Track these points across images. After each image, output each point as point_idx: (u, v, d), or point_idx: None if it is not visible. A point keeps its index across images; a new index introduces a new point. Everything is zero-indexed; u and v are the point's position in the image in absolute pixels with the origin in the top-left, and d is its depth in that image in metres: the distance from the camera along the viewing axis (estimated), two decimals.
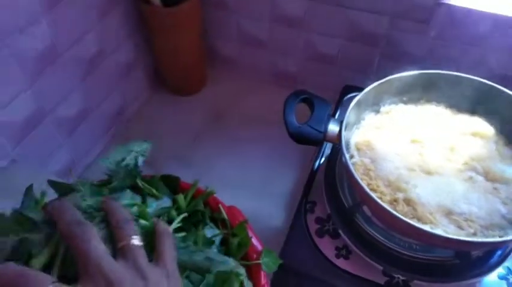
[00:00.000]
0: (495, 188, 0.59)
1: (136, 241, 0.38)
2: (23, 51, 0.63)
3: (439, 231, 0.54)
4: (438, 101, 0.72)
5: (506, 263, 0.62)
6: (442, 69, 0.69)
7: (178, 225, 0.48)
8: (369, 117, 0.71)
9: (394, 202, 0.58)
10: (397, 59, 0.85)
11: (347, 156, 0.60)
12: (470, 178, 0.61)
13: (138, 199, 0.48)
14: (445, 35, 0.78)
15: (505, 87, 0.66)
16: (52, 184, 0.49)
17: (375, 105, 0.71)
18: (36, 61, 0.65)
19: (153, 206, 0.49)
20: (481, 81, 0.67)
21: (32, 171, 0.65)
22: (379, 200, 0.54)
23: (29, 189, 0.47)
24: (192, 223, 0.51)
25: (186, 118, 0.95)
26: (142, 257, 0.37)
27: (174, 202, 0.52)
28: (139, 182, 0.51)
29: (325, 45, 0.89)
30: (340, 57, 0.90)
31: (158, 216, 0.48)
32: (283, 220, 0.76)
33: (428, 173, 0.61)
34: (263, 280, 0.50)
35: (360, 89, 0.68)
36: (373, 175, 0.62)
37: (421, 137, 0.66)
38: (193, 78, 1.00)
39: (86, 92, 0.78)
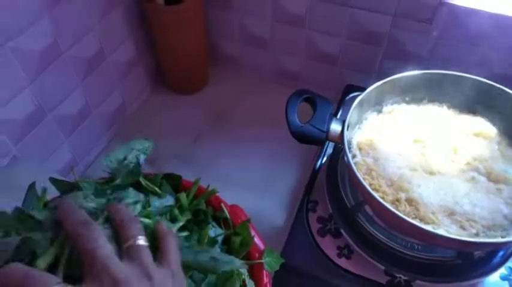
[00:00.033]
0: (498, 189, 0.59)
1: (142, 241, 0.38)
2: (25, 50, 0.63)
3: (441, 231, 0.54)
4: (441, 101, 0.72)
5: (509, 264, 0.62)
6: (444, 69, 0.69)
7: (181, 224, 0.48)
8: (371, 117, 0.71)
9: (396, 201, 0.58)
10: (399, 59, 0.85)
11: (349, 156, 0.60)
12: (473, 178, 0.61)
13: (141, 197, 0.48)
14: (447, 35, 0.78)
15: (507, 87, 0.65)
16: (54, 181, 0.49)
17: (377, 105, 0.71)
18: (37, 59, 0.65)
19: (156, 204, 0.49)
20: (484, 82, 0.67)
21: (34, 169, 0.65)
22: (381, 200, 0.54)
23: (32, 186, 0.47)
24: (194, 222, 0.51)
25: (187, 117, 0.95)
26: (148, 258, 0.37)
27: (177, 200, 0.52)
28: (142, 181, 0.51)
29: (327, 44, 0.89)
30: (342, 57, 0.90)
31: (161, 214, 0.48)
32: (285, 219, 0.76)
33: (431, 173, 0.61)
34: (265, 279, 0.50)
35: (362, 89, 0.68)
36: (375, 175, 0.61)
37: (424, 137, 0.65)
38: (195, 77, 1.00)
39: (88, 90, 0.78)
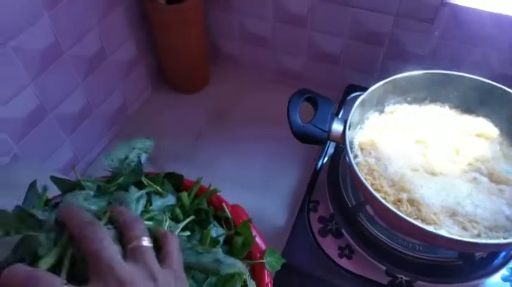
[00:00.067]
0: (500, 190, 0.59)
1: (146, 242, 0.38)
2: (26, 49, 0.63)
3: (442, 232, 0.54)
4: (442, 101, 0.71)
5: (510, 265, 0.62)
6: (446, 69, 0.69)
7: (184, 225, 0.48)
8: (373, 117, 0.70)
9: (398, 202, 0.58)
10: (400, 59, 0.84)
11: (351, 156, 0.60)
12: (475, 178, 0.60)
13: (144, 195, 0.48)
14: (449, 35, 0.78)
15: (509, 87, 0.65)
16: (55, 180, 0.49)
17: (379, 104, 0.71)
18: (39, 58, 0.65)
19: (157, 203, 0.49)
20: (486, 82, 0.67)
21: (35, 167, 0.65)
22: (383, 200, 0.54)
23: (33, 185, 0.46)
24: (196, 222, 0.50)
25: (188, 116, 0.95)
26: (152, 259, 0.37)
27: (178, 199, 0.52)
28: (144, 180, 0.51)
29: (329, 44, 0.89)
30: (344, 57, 0.90)
31: (163, 213, 0.48)
32: (286, 219, 0.76)
33: (433, 173, 0.61)
34: (266, 279, 0.50)
35: (364, 89, 0.68)
36: (376, 175, 0.61)
37: (426, 137, 0.65)
38: (196, 77, 1.00)
39: (89, 89, 0.78)
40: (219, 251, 0.46)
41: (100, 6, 0.74)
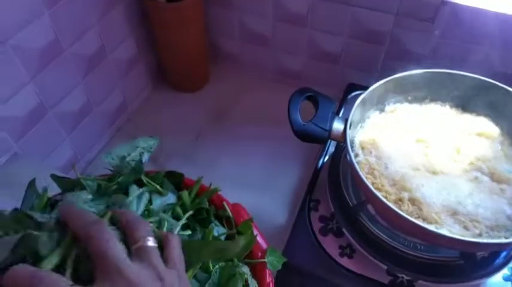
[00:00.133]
0: (501, 189, 0.59)
1: (151, 242, 0.38)
2: (26, 47, 0.62)
3: (444, 231, 0.53)
4: (443, 100, 0.71)
5: (511, 265, 0.62)
6: (446, 68, 0.69)
7: (184, 222, 0.47)
8: (374, 116, 0.70)
9: (399, 201, 0.58)
10: (401, 58, 0.84)
11: (352, 155, 0.60)
12: (476, 178, 0.60)
13: (145, 193, 0.48)
14: (449, 34, 0.77)
15: (510, 86, 0.65)
16: (55, 178, 0.49)
17: (379, 103, 0.71)
18: (39, 57, 0.65)
19: (157, 202, 0.49)
20: (486, 81, 0.67)
21: (35, 166, 0.65)
22: (384, 199, 0.54)
23: (32, 183, 0.46)
24: (197, 221, 0.50)
25: (188, 115, 0.95)
26: (158, 259, 0.37)
27: (179, 198, 0.52)
28: (144, 178, 0.51)
29: (329, 43, 0.89)
30: (344, 55, 0.90)
31: (163, 212, 0.48)
32: (287, 218, 0.75)
33: (434, 173, 0.61)
34: (268, 278, 0.49)
35: (364, 88, 0.68)
36: (377, 174, 0.61)
37: (426, 136, 0.65)
38: (195, 75, 1.00)
39: (89, 87, 0.78)
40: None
41: (100, 4, 0.74)
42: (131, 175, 0.50)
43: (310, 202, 0.71)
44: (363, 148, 0.65)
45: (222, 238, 0.50)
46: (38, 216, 0.39)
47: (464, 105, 0.70)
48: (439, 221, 0.55)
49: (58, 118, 0.73)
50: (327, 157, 0.78)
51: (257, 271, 0.50)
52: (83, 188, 0.48)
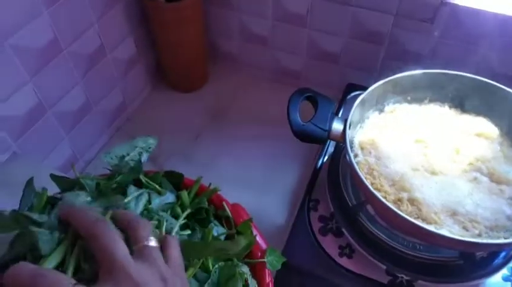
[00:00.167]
0: (500, 189, 0.59)
1: (153, 242, 0.38)
2: (25, 47, 0.62)
3: (443, 231, 0.54)
4: (442, 100, 0.71)
5: (511, 265, 0.62)
6: (446, 69, 0.69)
7: (184, 222, 0.47)
8: (373, 116, 0.70)
9: (398, 201, 0.58)
10: (400, 58, 0.85)
11: (351, 155, 0.60)
12: (475, 178, 0.60)
13: (144, 193, 0.48)
14: (449, 35, 0.78)
15: (509, 87, 0.65)
16: (54, 178, 0.49)
17: (379, 104, 0.71)
18: (38, 56, 0.65)
19: (156, 201, 0.49)
20: (485, 81, 0.67)
21: (34, 165, 0.65)
22: (383, 200, 0.54)
23: (30, 182, 0.46)
24: (196, 221, 0.50)
25: (188, 115, 0.95)
26: (160, 259, 0.37)
27: (178, 198, 0.52)
28: (142, 178, 0.51)
29: (329, 43, 0.89)
30: (344, 56, 0.90)
31: (162, 211, 0.48)
32: (286, 217, 0.75)
33: (433, 173, 0.61)
34: (267, 278, 0.49)
35: (364, 88, 0.68)
36: (377, 174, 0.61)
37: (426, 137, 0.65)
38: (195, 75, 1.00)
39: (88, 87, 0.78)
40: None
41: (99, 4, 0.74)
42: (130, 175, 0.50)
43: (310, 201, 0.71)
44: (362, 148, 0.65)
45: (222, 238, 0.50)
46: (36, 217, 0.39)
47: (464, 105, 0.70)
48: (439, 222, 0.55)
49: (57, 118, 0.73)
50: (326, 157, 0.78)
51: (257, 271, 0.50)
52: (82, 188, 0.47)
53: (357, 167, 0.58)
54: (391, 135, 0.66)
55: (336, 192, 0.69)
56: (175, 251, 0.39)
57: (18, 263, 0.33)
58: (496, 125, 0.67)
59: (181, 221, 0.47)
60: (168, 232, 0.45)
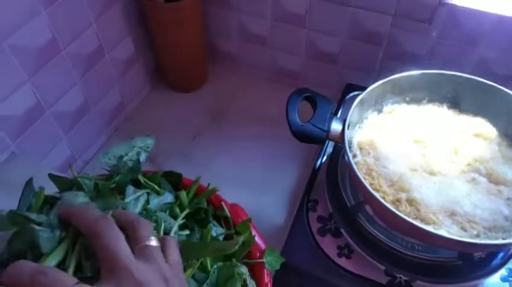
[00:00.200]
0: (498, 190, 0.59)
1: (154, 242, 0.38)
2: (23, 47, 0.62)
3: (442, 232, 0.54)
4: (441, 101, 0.71)
5: (509, 265, 0.62)
6: (444, 69, 0.69)
7: (182, 221, 0.47)
8: (372, 117, 0.70)
9: (396, 201, 0.58)
10: (399, 59, 0.85)
11: (350, 155, 0.60)
12: (473, 179, 0.60)
13: (143, 194, 0.48)
14: (447, 35, 0.78)
15: (507, 87, 0.65)
16: (53, 178, 0.49)
17: (377, 104, 0.71)
18: (36, 56, 0.65)
19: (154, 201, 0.49)
20: (483, 82, 0.67)
21: (32, 165, 0.65)
22: (382, 200, 0.54)
23: (29, 182, 0.46)
24: (195, 221, 0.50)
25: (186, 115, 0.95)
26: (162, 259, 0.37)
27: (177, 198, 0.52)
28: (141, 178, 0.51)
29: (328, 43, 0.89)
30: (342, 56, 0.90)
31: (161, 211, 0.48)
32: (285, 218, 0.75)
33: (431, 173, 0.61)
34: (266, 279, 0.49)
35: (362, 88, 0.68)
36: (375, 175, 0.61)
37: (424, 137, 0.65)
38: (193, 75, 1.00)
39: (87, 87, 0.78)
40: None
41: (97, 4, 0.74)
42: (128, 175, 0.50)
43: (309, 202, 0.71)
44: (361, 149, 0.65)
45: (220, 238, 0.50)
46: (34, 217, 0.39)
47: (462, 106, 0.70)
48: (437, 222, 0.56)
49: (55, 118, 0.73)
50: (325, 157, 0.78)
51: (255, 271, 0.50)
52: (80, 188, 0.47)
53: (355, 167, 0.58)
54: (389, 136, 0.66)
55: (334, 192, 0.69)
56: (173, 252, 0.39)
57: (18, 261, 0.32)
58: (494, 125, 0.67)
59: (180, 221, 0.47)
60: (167, 232, 0.45)
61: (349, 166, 0.59)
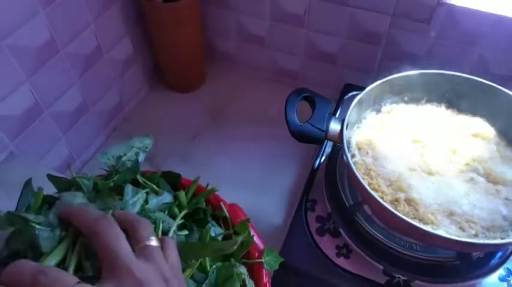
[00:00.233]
0: (496, 190, 0.59)
1: (154, 241, 0.38)
2: (22, 47, 0.62)
3: (440, 232, 0.54)
4: (439, 101, 0.72)
5: (507, 265, 0.62)
6: (442, 69, 0.69)
7: (181, 222, 0.47)
8: (370, 117, 0.70)
9: (395, 201, 0.58)
10: (397, 59, 0.85)
11: (348, 155, 0.60)
12: (472, 179, 0.61)
13: (142, 194, 0.48)
14: (445, 35, 0.78)
15: (505, 87, 0.66)
16: (51, 178, 0.49)
17: (376, 104, 0.71)
18: (34, 56, 0.65)
19: (153, 201, 0.49)
20: (482, 82, 0.67)
21: (31, 166, 0.65)
22: (380, 200, 0.54)
23: (28, 183, 0.46)
24: (193, 221, 0.50)
25: (185, 115, 0.95)
26: (162, 259, 0.37)
27: (175, 198, 0.51)
28: (140, 178, 0.51)
29: (326, 43, 0.89)
30: (341, 56, 0.90)
31: (160, 211, 0.48)
32: (284, 218, 0.75)
33: (430, 173, 0.61)
34: (265, 279, 0.49)
35: (361, 88, 0.68)
36: (374, 175, 0.61)
37: (422, 137, 0.65)
38: (192, 75, 1.00)
39: (85, 87, 0.78)
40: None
41: (96, 4, 0.74)
42: (126, 175, 0.50)
43: (307, 202, 0.71)
44: (359, 149, 0.65)
45: (219, 238, 0.50)
46: (32, 217, 0.39)
47: (460, 106, 0.71)
48: (435, 222, 0.56)
49: (54, 118, 0.73)
50: (323, 157, 0.78)
51: (254, 271, 0.50)
52: (79, 188, 0.47)
53: (354, 167, 0.58)
54: (388, 136, 0.66)
55: (333, 192, 0.69)
56: (172, 253, 0.39)
57: (18, 260, 0.32)
58: (493, 125, 0.67)
59: (178, 221, 0.47)
60: (166, 232, 0.45)
61: (347, 165, 0.59)
